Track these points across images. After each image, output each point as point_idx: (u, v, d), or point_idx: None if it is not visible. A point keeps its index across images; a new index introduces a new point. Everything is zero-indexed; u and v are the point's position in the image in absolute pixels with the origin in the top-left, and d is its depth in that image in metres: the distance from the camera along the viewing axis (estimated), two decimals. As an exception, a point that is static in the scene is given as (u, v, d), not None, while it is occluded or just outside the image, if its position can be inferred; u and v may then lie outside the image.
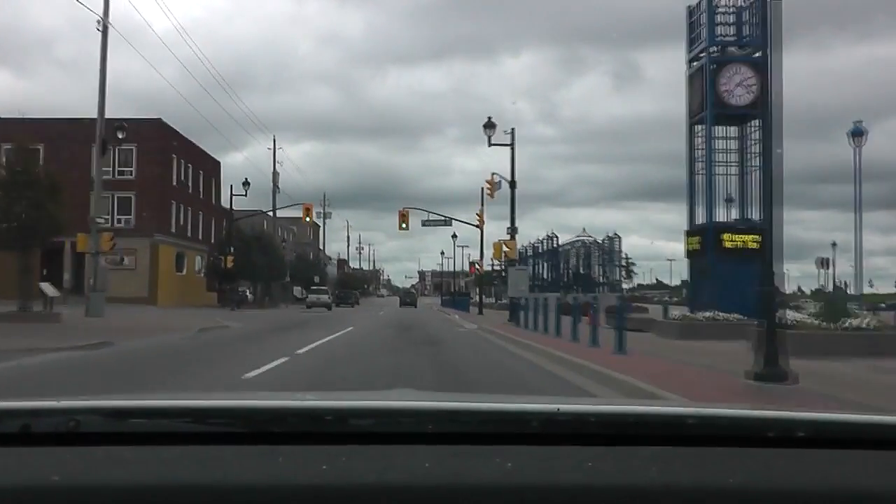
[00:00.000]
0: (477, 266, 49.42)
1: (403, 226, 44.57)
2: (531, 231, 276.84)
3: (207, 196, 61.01)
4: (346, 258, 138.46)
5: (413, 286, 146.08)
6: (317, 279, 73.32)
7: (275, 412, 1.28)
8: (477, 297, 55.36)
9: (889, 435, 1.24)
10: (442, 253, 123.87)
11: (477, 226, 44.76)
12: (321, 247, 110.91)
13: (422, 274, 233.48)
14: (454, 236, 69.84)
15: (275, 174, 63.55)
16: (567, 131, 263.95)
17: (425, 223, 46.65)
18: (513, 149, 30.55)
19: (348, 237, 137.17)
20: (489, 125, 30.48)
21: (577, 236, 55.99)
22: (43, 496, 0.98)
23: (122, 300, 48.48)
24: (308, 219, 49.28)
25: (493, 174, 32.51)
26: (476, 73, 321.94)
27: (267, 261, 55.96)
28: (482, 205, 45.48)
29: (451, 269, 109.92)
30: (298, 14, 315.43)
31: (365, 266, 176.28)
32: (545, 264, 59.23)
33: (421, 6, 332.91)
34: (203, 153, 60.16)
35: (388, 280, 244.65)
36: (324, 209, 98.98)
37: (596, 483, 1.02)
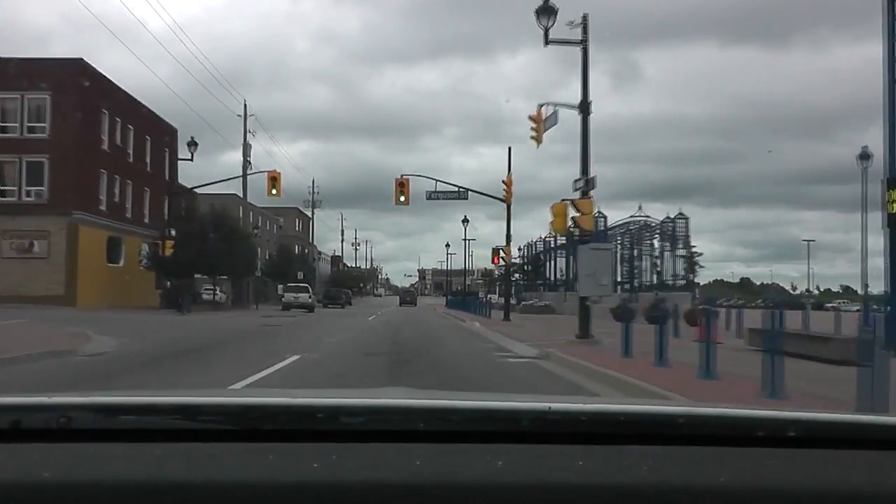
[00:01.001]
0: (503, 253, 37.06)
1: (402, 199, 32.72)
2: (529, 231, 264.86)
3: (158, 169, 48.45)
4: (341, 254, 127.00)
5: (412, 285, 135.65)
6: (300, 275, 61.31)
7: (266, 409, 1.26)
8: (492, 298, 43.15)
9: (878, 435, 1.23)
10: (447, 245, 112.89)
11: (503, 200, 32.78)
12: (311, 240, 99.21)
13: (422, 273, 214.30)
14: (465, 221, 57.72)
15: (245, 146, 51.63)
16: (564, 130, 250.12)
17: (432, 196, 34.48)
18: (585, 50, 18.46)
19: (342, 231, 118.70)
20: (545, 10, 18.34)
21: (632, 216, 43.60)
22: (33, 492, 0.97)
23: (28, 299, 36.29)
24: (275, 191, 36.76)
25: (541, 105, 20.36)
26: (473, 71, 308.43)
27: (228, 249, 43.55)
28: (509, 169, 33.45)
29: (460, 262, 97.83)
30: (293, 12, 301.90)
31: (364, 265, 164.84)
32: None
33: (416, 4, 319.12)
34: (150, 114, 47.52)
35: (387, 279, 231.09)
36: (312, 197, 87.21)
37: (587, 482, 1.01)
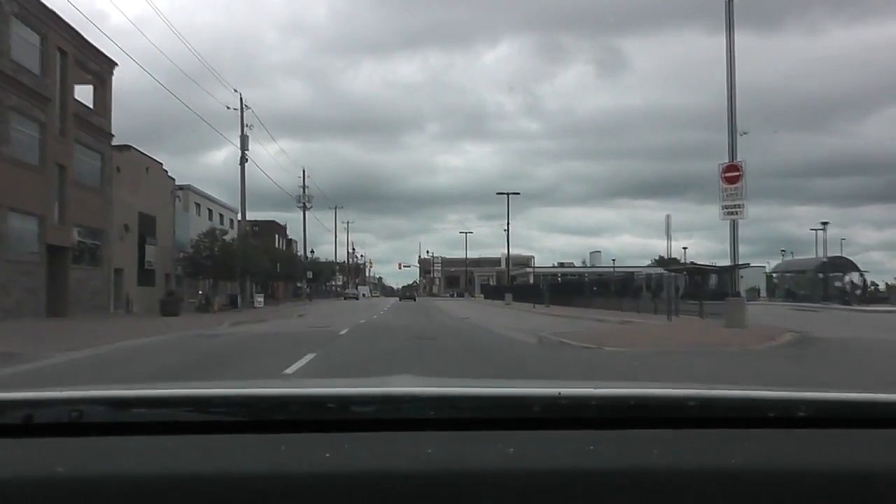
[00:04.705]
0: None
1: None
2: (522, 231, 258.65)
3: None
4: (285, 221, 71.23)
5: (412, 283, 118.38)
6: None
7: (277, 400, 1.29)
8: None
9: (890, 413, 1.23)
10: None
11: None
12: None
13: (426, 263, 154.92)
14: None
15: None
16: (552, 125, 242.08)
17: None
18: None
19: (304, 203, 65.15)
20: None
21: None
22: (47, 487, 0.98)
23: None
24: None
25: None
26: (452, 63, 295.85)
27: None
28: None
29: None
30: (258, 1, 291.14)
31: (346, 254, 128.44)
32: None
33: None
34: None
35: (380, 279, 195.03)
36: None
37: (598, 467, 1.03)
